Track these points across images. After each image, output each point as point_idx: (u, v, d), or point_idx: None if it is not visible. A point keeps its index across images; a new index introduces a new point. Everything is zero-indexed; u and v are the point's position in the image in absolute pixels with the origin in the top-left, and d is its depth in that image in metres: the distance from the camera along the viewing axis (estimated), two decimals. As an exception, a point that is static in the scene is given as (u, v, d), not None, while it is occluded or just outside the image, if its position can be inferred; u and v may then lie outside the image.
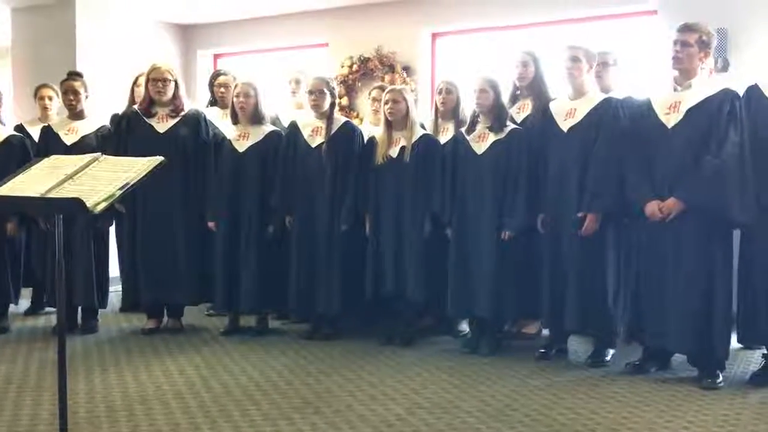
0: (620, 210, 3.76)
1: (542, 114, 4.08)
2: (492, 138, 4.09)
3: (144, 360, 4.03)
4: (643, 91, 4.24)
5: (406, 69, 6.35)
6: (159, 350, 4.26)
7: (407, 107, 4.29)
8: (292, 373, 3.76)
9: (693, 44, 3.51)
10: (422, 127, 4.46)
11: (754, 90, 3.56)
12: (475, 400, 3.32)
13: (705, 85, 3.57)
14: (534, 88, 4.31)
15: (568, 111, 3.92)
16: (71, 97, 4.66)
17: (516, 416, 3.10)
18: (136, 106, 4.76)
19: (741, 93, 3.54)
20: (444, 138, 4.38)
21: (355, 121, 5.21)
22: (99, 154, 2.77)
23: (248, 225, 4.53)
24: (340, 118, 4.61)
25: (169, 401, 3.31)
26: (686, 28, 3.54)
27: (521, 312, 4.22)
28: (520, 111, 4.36)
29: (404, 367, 3.87)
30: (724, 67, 4.88)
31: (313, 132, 4.49)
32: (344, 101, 6.45)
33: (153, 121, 4.58)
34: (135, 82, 5.18)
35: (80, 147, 4.41)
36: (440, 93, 4.45)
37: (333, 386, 3.53)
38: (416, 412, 3.16)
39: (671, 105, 3.57)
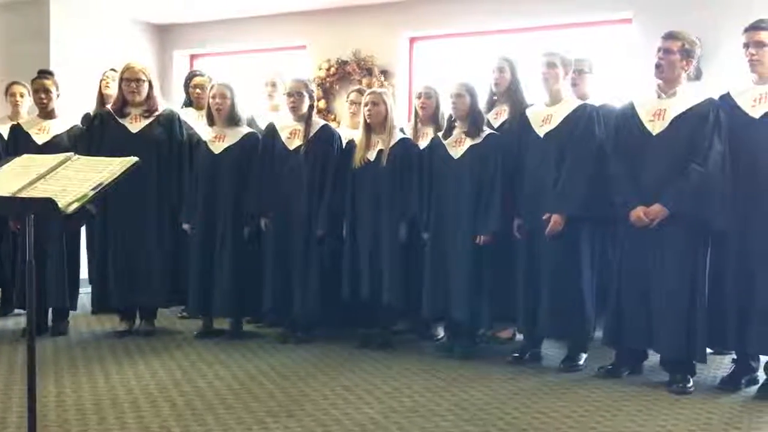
0: (592, 216, 3.79)
1: (518, 119, 4.11)
2: (469, 143, 4.11)
3: (116, 363, 3.98)
4: (618, 97, 4.29)
5: (384, 73, 6.36)
6: (131, 353, 4.21)
7: (387, 111, 4.30)
8: (266, 377, 3.73)
9: (675, 52, 3.56)
10: (401, 131, 4.47)
11: (726, 98, 3.61)
12: (450, 403, 3.33)
13: (689, 93, 3.62)
14: (510, 94, 4.35)
15: (544, 117, 3.95)
16: (42, 96, 4.60)
17: (490, 420, 3.12)
18: (109, 106, 4.71)
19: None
20: (424, 143, 4.39)
21: (333, 124, 5.20)
22: (71, 153, 2.73)
23: (223, 227, 4.50)
24: (318, 121, 4.60)
25: (140, 405, 3.27)
26: (670, 36, 3.58)
27: (496, 316, 4.24)
28: (497, 116, 4.39)
29: (379, 370, 3.87)
30: (698, 76, 4.95)
31: (291, 134, 4.47)
32: (322, 104, 6.44)
33: (126, 121, 4.53)
34: (102, 79, 5.12)
35: (52, 146, 4.37)
36: (420, 98, 4.47)
37: (308, 390, 3.52)
38: (391, 415, 3.16)
39: (656, 112, 3.61)
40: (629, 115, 3.70)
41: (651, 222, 3.54)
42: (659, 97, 3.63)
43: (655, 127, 3.59)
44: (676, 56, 3.55)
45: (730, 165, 3.47)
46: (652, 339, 3.61)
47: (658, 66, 3.58)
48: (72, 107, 4.98)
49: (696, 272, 3.53)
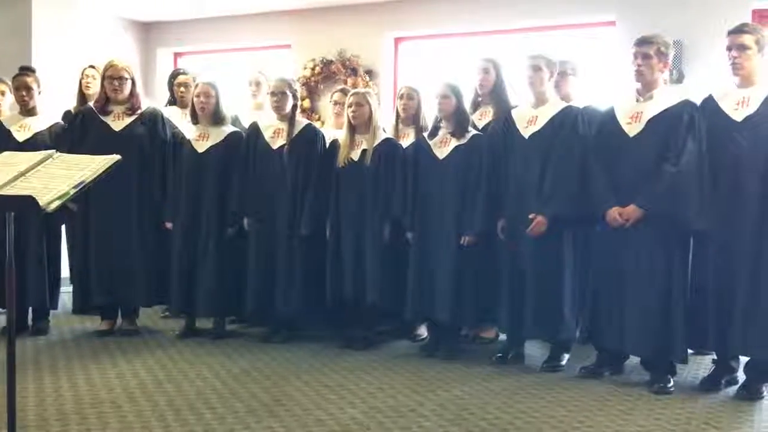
0: (576, 217, 3.82)
1: (503, 121, 4.12)
2: (454, 143, 4.12)
3: (96, 362, 3.95)
4: (602, 99, 4.32)
5: (369, 73, 6.36)
6: (112, 352, 4.18)
7: (371, 111, 4.30)
8: (249, 377, 3.72)
9: (653, 55, 3.60)
10: (384, 131, 4.47)
11: (708, 101, 3.65)
12: (433, 403, 3.33)
13: (666, 95, 3.66)
14: (495, 95, 4.36)
15: (529, 118, 3.97)
16: (23, 93, 4.56)
17: (473, 420, 3.12)
18: (91, 103, 4.67)
19: (697, 103, 3.64)
20: (404, 143, 4.40)
21: (317, 124, 5.19)
22: (53, 151, 2.71)
23: (207, 226, 4.48)
24: (302, 121, 4.59)
25: (122, 404, 3.24)
26: (644, 41, 3.63)
27: (480, 317, 4.25)
28: (482, 117, 4.40)
29: (362, 371, 3.87)
30: (679, 79, 5.00)
31: (275, 134, 4.46)
32: (306, 104, 6.42)
33: (108, 119, 4.50)
34: (82, 75, 5.08)
35: (33, 144, 4.32)
36: (402, 98, 4.47)
37: (290, 390, 3.51)
38: (374, 416, 3.16)
39: (633, 115, 3.66)
40: (609, 118, 3.74)
41: (626, 222, 3.57)
42: (637, 100, 3.68)
43: (632, 129, 3.64)
44: (654, 59, 3.61)
45: (707, 165, 3.50)
46: (627, 339, 3.64)
47: (638, 72, 3.63)
48: (54, 104, 4.93)
49: (672, 272, 3.57)
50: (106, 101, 4.51)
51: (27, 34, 6.31)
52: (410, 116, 4.47)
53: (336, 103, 4.88)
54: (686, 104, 3.59)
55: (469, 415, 3.18)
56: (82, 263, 4.60)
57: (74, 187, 2.43)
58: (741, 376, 3.63)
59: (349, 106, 4.31)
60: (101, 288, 4.51)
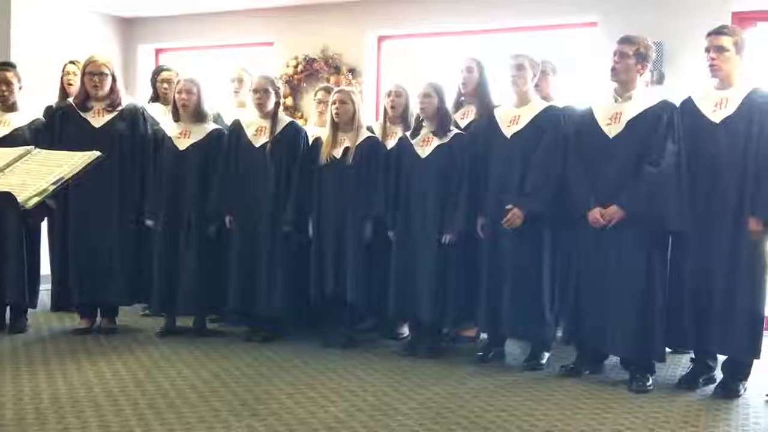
0: (555, 216, 3.84)
1: (486, 120, 4.14)
2: (436, 142, 4.13)
3: (75, 361, 3.92)
4: (582, 99, 4.35)
5: (352, 71, 6.35)
6: (91, 351, 4.14)
7: (354, 109, 4.29)
8: (230, 376, 3.70)
9: (631, 56, 3.63)
10: (369, 129, 4.47)
11: (687, 103, 3.69)
12: (414, 402, 3.34)
13: (644, 96, 3.69)
14: (478, 94, 4.37)
15: (512, 118, 3.99)
16: (3, 88, 4.51)
17: (453, 418, 3.13)
18: (71, 99, 4.63)
19: (677, 104, 3.67)
20: (392, 142, 4.39)
21: (300, 122, 5.17)
22: (32, 147, 2.68)
23: (188, 224, 4.45)
24: (284, 118, 4.57)
25: (101, 404, 3.22)
26: (625, 40, 3.66)
27: (461, 315, 4.26)
28: (464, 117, 4.41)
29: (344, 369, 3.87)
30: (660, 80, 5.04)
31: (257, 131, 4.44)
32: (289, 101, 6.40)
33: (88, 116, 4.46)
34: (63, 71, 5.03)
35: (12, 139, 4.28)
36: (390, 96, 4.46)
37: (271, 389, 3.50)
38: (355, 414, 3.16)
39: (612, 116, 3.68)
40: (588, 119, 3.76)
41: (608, 223, 3.59)
42: (615, 100, 3.70)
43: (612, 130, 3.66)
44: (631, 60, 3.63)
45: (686, 166, 3.54)
46: (607, 339, 3.66)
47: (614, 69, 3.65)
48: (34, 100, 4.87)
49: (652, 272, 3.60)
50: (86, 97, 4.47)
51: (6, 29, 6.23)
52: (398, 114, 4.46)
53: (320, 101, 4.87)
54: (665, 105, 3.63)
55: (450, 414, 3.19)
56: (61, 261, 4.55)
57: (53, 184, 2.41)
58: (719, 375, 3.67)
59: (333, 103, 4.31)
60: (80, 286, 4.47)
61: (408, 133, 4.26)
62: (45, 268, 4.79)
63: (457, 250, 4.06)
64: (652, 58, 3.73)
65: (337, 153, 4.30)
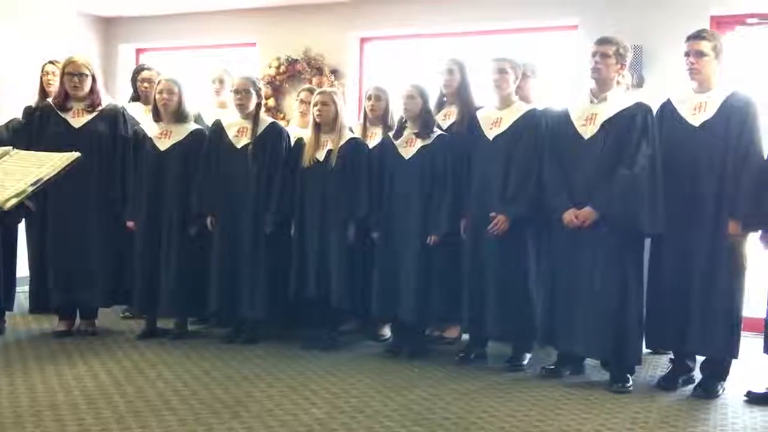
0: (538, 218, 3.86)
1: (468, 121, 4.15)
2: (419, 143, 4.13)
3: (54, 364, 3.87)
4: (562, 102, 4.37)
5: (334, 72, 6.34)
6: (71, 354, 4.10)
7: (336, 110, 4.29)
8: (212, 378, 3.68)
9: (611, 55, 3.66)
10: (351, 131, 4.47)
11: (667, 106, 3.73)
12: (396, 403, 3.34)
13: (620, 98, 3.73)
14: (459, 96, 4.39)
15: (494, 120, 4.01)
16: (-21, 88, 4.45)
17: (436, 420, 3.14)
18: (50, 99, 4.58)
19: (655, 107, 3.71)
20: (372, 143, 4.40)
21: (282, 123, 5.16)
22: (10, 147, 2.65)
23: (169, 225, 4.42)
24: (266, 119, 4.55)
25: (80, 407, 3.18)
26: (604, 41, 3.69)
27: (444, 316, 4.27)
28: (446, 118, 4.42)
29: (326, 371, 3.86)
30: (639, 83, 5.08)
31: (239, 132, 4.42)
32: (271, 102, 6.38)
33: (68, 116, 4.41)
34: (42, 71, 4.98)
35: (-11, 140, 4.22)
36: (370, 99, 4.46)
37: (253, 391, 3.48)
38: (337, 416, 3.15)
39: (588, 117, 3.71)
40: (564, 120, 3.79)
41: (582, 224, 3.62)
42: (591, 102, 3.73)
43: (587, 132, 3.70)
44: (612, 60, 3.67)
45: (661, 168, 3.57)
46: (580, 341, 3.68)
47: (595, 70, 3.68)
48: (12, 100, 4.81)
49: (626, 274, 3.62)
50: (65, 97, 4.42)
51: (-18, 29, 6.15)
52: (378, 116, 4.47)
53: (302, 102, 4.86)
54: (639, 107, 3.66)
55: (432, 415, 3.20)
56: (39, 262, 4.50)
57: (32, 185, 2.39)
58: (698, 375, 3.70)
59: (315, 105, 4.30)
60: (59, 288, 4.41)
61: (391, 134, 4.26)
62: (23, 269, 4.73)
63: (440, 251, 4.07)
64: (630, 59, 3.77)
65: (320, 155, 4.29)
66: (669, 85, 4.27)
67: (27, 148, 3.67)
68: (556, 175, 3.73)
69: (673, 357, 3.83)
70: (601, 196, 3.59)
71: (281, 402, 3.32)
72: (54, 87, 4.82)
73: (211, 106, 5.31)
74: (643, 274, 3.71)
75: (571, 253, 3.69)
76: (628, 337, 3.62)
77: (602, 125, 3.66)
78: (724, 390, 3.60)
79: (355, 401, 3.36)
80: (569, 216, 3.65)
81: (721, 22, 5.11)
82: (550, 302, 3.79)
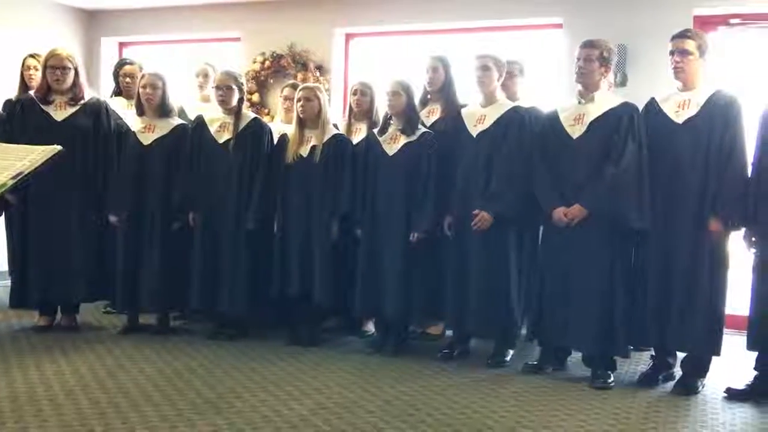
0: (521, 216, 3.88)
1: (453, 119, 4.16)
2: (403, 140, 4.13)
3: (35, 359, 3.84)
4: (548, 100, 4.40)
5: (319, 68, 6.32)
6: (51, 349, 4.06)
7: (320, 106, 4.28)
8: (194, 374, 3.67)
9: (595, 59, 3.70)
10: (335, 127, 4.46)
11: (651, 104, 3.76)
12: (379, 400, 3.34)
13: (607, 98, 3.76)
14: (444, 93, 4.39)
15: (478, 117, 4.03)
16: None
17: (419, 416, 3.14)
18: (32, 92, 4.53)
19: (639, 105, 3.74)
20: (356, 138, 4.39)
21: (266, 119, 5.14)
22: (-10, 140, 2.62)
23: (151, 221, 4.39)
24: (248, 114, 4.53)
25: (61, 402, 3.16)
26: (589, 44, 3.73)
27: (427, 313, 4.28)
28: (430, 115, 4.42)
29: (309, 367, 3.85)
30: (623, 82, 5.11)
31: (221, 127, 4.40)
32: (256, 98, 6.35)
33: (50, 109, 4.37)
34: (24, 65, 4.92)
35: (-30, 133, 4.17)
36: (355, 93, 4.46)
37: (236, 387, 3.47)
38: (320, 412, 3.15)
39: (576, 117, 3.75)
40: (553, 120, 3.82)
41: (571, 221, 3.64)
42: (579, 102, 3.77)
43: (575, 131, 3.74)
44: (595, 63, 3.71)
45: (648, 165, 3.60)
46: (571, 336, 3.72)
47: (580, 73, 3.72)
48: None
49: (614, 271, 3.66)
50: (47, 90, 4.38)
51: (-38, 21, 6.08)
52: (363, 112, 4.47)
53: (286, 98, 4.84)
54: (626, 106, 3.70)
55: (416, 411, 3.20)
56: (20, 257, 4.45)
57: (12, 178, 2.36)
58: (678, 372, 3.74)
59: (298, 100, 4.29)
60: (40, 283, 4.37)
61: (375, 131, 4.26)
62: (3, 264, 4.68)
63: (424, 248, 4.08)
64: (614, 61, 3.81)
65: (304, 151, 4.28)
66: (652, 84, 4.30)
67: (8, 142, 3.65)
68: (544, 174, 3.76)
69: (653, 354, 3.86)
70: (589, 193, 3.63)
71: (264, 398, 3.31)
72: (36, 81, 4.77)
73: (195, 100, 5.27)
74: (630, 270, 3.73)
75: (560, 251, 3.72)
76: (616, 331, 3.66)
77: (590, 125, 3.69)
78: (703, 386, 3.64)
79: (338, 397, 3.36)
80: (559, 214, 3.67)
81: (705, 22, 5.16)
82: (540, 298, 3.81)
